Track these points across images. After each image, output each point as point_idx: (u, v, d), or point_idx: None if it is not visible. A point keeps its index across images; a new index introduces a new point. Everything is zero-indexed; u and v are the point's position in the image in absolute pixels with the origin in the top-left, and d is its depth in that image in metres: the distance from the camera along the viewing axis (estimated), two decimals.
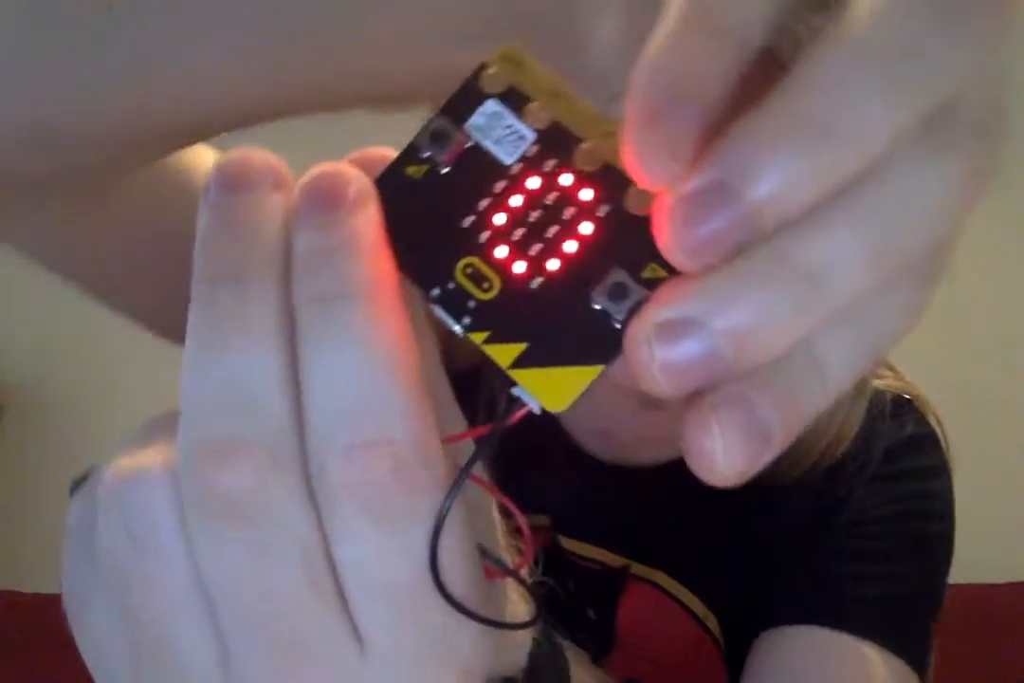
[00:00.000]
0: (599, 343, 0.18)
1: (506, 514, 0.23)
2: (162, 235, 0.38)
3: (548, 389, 0.18)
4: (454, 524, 0.18)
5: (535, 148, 0.18)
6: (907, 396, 0.54)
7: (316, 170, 0.19)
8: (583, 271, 0.18)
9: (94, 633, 0.21)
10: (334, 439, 0.17)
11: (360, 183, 0.19)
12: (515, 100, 0.19)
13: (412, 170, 0.19)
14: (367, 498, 0.17)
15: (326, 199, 0.18)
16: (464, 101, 0.19)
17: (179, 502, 0.18)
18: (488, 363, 0.18)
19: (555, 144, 0.18)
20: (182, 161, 0.40)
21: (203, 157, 0.40)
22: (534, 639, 0.26)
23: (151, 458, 0.19)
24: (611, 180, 0.18)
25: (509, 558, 0.22)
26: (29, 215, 0.36)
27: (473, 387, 0.22)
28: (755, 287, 0.16)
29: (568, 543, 0.54)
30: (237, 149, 0.19)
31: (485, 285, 0.18)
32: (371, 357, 0.18)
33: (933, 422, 0.55)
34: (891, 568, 0.51)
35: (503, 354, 0.18)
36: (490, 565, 0.20)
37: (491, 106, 0.19)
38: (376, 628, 0.19)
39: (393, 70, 0.26)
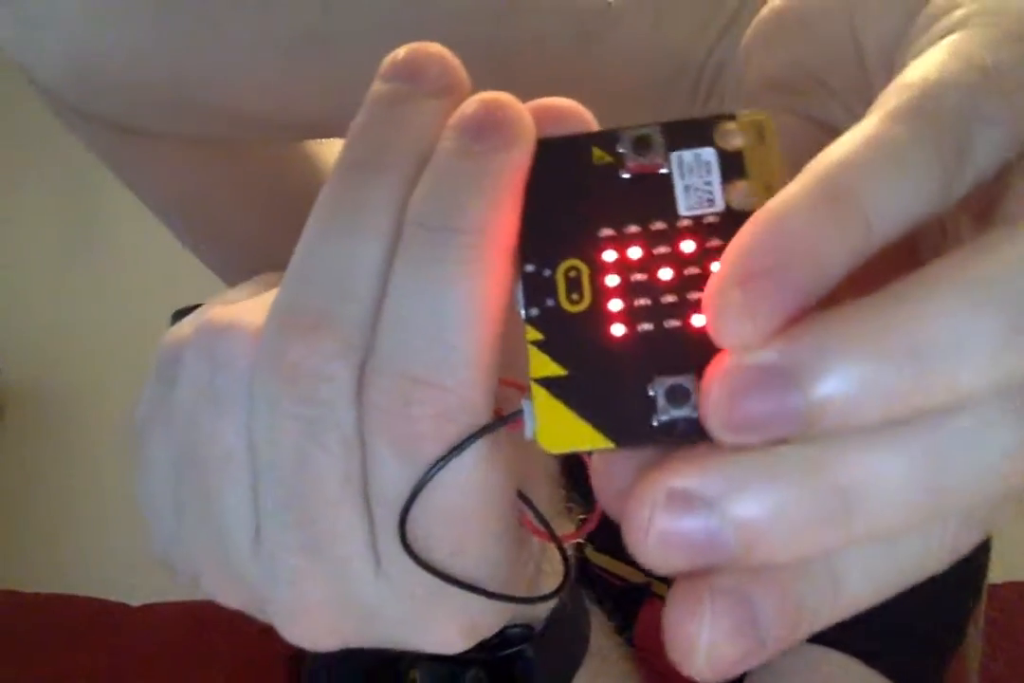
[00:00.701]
0: (627, 425, 0.16)
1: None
2: (266, 208, 0.42)
3: (552, 425, 0.17)
4: (487, 471, 0.18)
5: (714, 219, 0.17)
6: None
7: (485, 95, 0.18)
8: (665, 354, 0.17)
9: (150, 464, 0.21)
10: (392, 361, 0.17)
11: (521, 125, 0.18)
12: (733, 166, 0.17)
13: (597, 153, 0.18)
14: (396, 429, 0.17)
15: (479, 125, 0.18)
16: (689, 133, 0.18)
17: None
18: None
19: (732, 230, 0.16)
20: (311, 146, 0.43)
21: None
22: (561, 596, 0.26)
23: (251, 314, 0.19)
24: None
25: (559, 529, 0.21)
26: (158, 157, 0.41)
27: None
28: (783, 486, 0.14)
29: (593, 555, 0.54)
30: (420, 43, 0.19)
31: (574, 296, 0.17)
32: (455, 299, 0.17)
33: None
34: (913, 599, 0.50)
35: (542, 365, 0.17)
36: (530, 520, 0.20)
37: (708, 155, 0.17)
38: (390, 551, 0.19)
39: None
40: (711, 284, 0.15)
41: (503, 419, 0.18)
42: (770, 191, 0.17)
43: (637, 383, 0.17)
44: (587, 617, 0.29)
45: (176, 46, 0.32)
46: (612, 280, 0.17)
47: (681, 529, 0.14)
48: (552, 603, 0.26)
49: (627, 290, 0.17)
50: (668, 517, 0.15)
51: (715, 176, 0.17)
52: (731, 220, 0.17)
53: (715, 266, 0.17)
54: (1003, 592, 0.86)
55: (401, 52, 0.19)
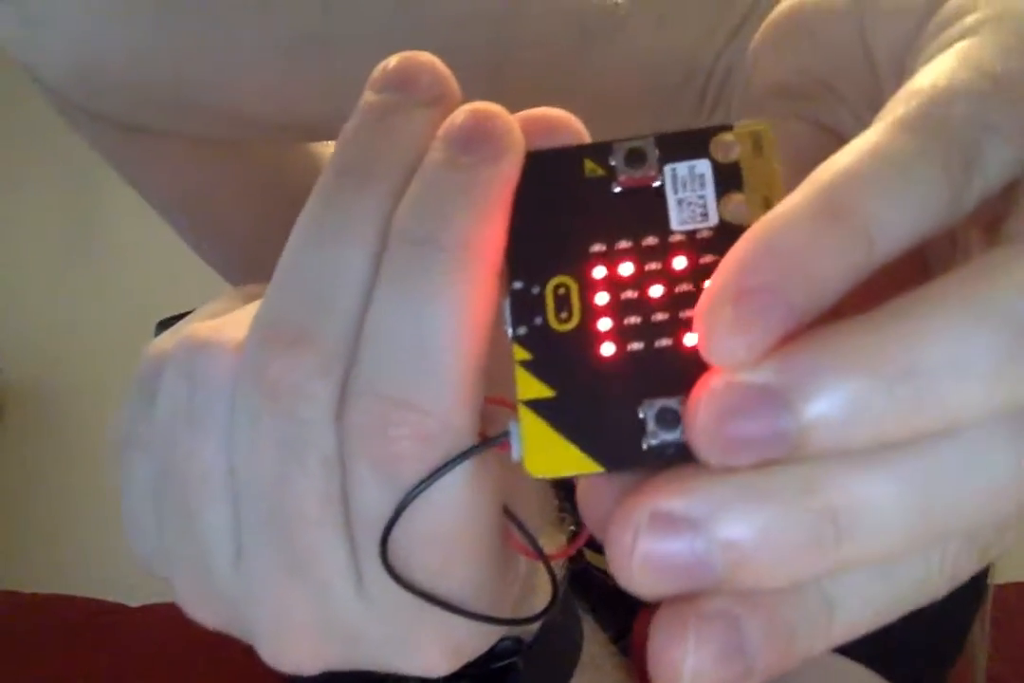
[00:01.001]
0: (616, 450, 0.16)
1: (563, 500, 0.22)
2: (267, 207, 0.42)
3: (539, 448, 0.16)
4: (472, 493, 0.18)
5: (707, 234, 0.17)
6: None
7: (475, 105, 0.18)
8: (656, 375, 0.16)
9: (131, 480, 0.21)
10: (372, 380, 0.17)
11: (510, 137, 0.17)
12: (728, 179, 0.17)
13: (589, 166, 0.17)
14: (376, 450, 0.17)
15: (467, 136, 0.17)
16: (684, 145, 0.17)
17: None
18: None
19: (727, 245, 0.15)
20: (313, 146, 0.43)
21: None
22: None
23: (232, 329, 0.19)
24: None
25: (550, 541, 0.21)
26: (160, 152, 0.41)
27: None
28: (770, 507, 0.14)
29: (593, 557, 0.54)
30: (411, 52, 0.18)
31: (563, 315, 0.17)
32: (438, 314, 0.17)
33: None
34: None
35: (529, 386, 0.17)
36: (518, 538, 0.20)
37: (703, 167, 0.17)
38: (371, 572, 0.18)
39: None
40: (703, 300, 0.14)
41: (488, 441, 0.17)
42: (768, 204, 0.16)
43: (626, 405, 0.16)
44: (579, 626, 0.28)
45: (177, 47, 0.32)
46: (602, 298, 0.17)
47: (665, 551, 0.14)
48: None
49: (617, 308, 0.16)
50: (652, 539, 0.14)
51: (709, 189, 0.17)
52: (725, 235, 0.16)
53: (708, 283, 0.15)
54: (1006, 593, 0.85)
55: (392, 61, 0.18)
